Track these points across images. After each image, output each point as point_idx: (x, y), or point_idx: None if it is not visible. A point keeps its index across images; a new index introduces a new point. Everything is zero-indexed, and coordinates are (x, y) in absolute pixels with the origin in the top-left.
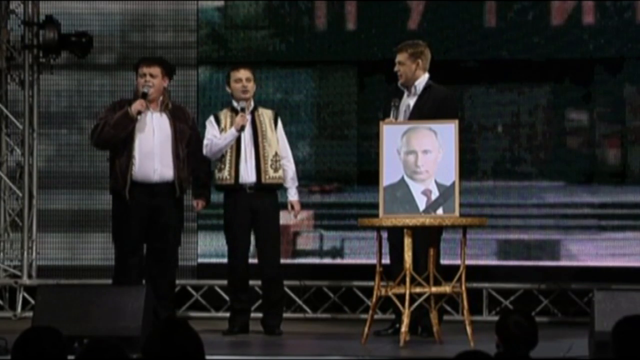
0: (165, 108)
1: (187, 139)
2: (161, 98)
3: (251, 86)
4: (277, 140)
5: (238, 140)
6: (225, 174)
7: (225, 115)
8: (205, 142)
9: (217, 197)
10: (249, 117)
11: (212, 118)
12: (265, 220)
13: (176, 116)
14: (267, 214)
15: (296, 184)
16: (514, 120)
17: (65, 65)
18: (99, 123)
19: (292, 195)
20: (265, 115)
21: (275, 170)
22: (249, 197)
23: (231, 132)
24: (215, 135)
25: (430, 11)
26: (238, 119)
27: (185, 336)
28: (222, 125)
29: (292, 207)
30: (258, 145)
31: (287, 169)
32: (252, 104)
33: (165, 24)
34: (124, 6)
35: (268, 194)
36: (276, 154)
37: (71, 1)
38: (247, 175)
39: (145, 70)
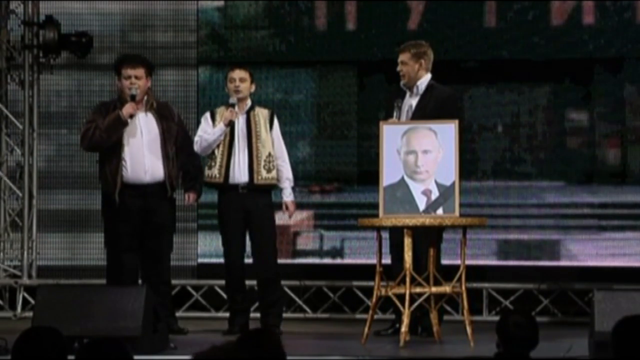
0: (151, 107)
1: (174, 137)
2: (146, 98)
3: (245, 86)
4: (272, 141)
5: (231, 139)
6: (214, 172)
7: (221, 112)
8: (196, 138)
9: (213, 196)
10: (244, 116)
11: (207, 114)
12: (260, 220)
13: (162, 115)
14: (261, 214)
15: (291, 184)
16: (514, 120)
17: (65, 65)
18: (89, 127)
19: (287, 196)
20: (261, 115)
21: (269, 170)
22: (242, 197)
23: (219, 127)
24: (205, 131)
25: (430, 11)
26: (226, 114)
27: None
28: (217, 122)
29: (287, 207)
30: (251, 146)
31: (281, 169)
32: (249, 103)
33: (165, 24)
34: (124, 6)
35: (261, 194)
36: (270, 154)
37: (71, 1)
38: (240, 175)
39: (130, 72)
